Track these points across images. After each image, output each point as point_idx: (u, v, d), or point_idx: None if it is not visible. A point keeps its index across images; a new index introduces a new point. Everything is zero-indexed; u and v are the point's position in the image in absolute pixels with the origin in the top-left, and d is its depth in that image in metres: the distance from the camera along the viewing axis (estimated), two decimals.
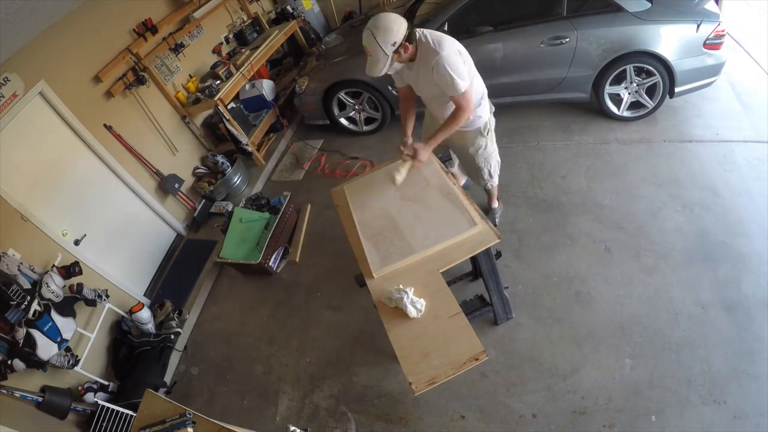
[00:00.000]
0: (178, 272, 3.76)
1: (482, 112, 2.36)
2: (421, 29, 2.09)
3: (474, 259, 2.23)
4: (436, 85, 2.10)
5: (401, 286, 1.85)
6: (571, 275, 2.66)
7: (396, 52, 1.98)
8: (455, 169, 2.88)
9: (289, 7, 5.60)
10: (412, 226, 2.09)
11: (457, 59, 2.03)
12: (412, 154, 2.28)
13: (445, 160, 2.50)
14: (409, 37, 2.00)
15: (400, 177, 2.28)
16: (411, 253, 1.98)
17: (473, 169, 2.66)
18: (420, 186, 2.29)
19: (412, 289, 1.83)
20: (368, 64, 2.05)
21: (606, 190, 3.08)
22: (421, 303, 1.80)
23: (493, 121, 2.48)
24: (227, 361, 3.04)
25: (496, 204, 3.05)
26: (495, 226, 2.50)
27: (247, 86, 4.58)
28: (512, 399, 2.26)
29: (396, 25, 1.94)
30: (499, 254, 2.46)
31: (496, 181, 2.74)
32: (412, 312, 1.78)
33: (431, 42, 2.02)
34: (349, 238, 2.22)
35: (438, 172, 2.30)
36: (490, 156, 2.56)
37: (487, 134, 2.46)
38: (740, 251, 2.52)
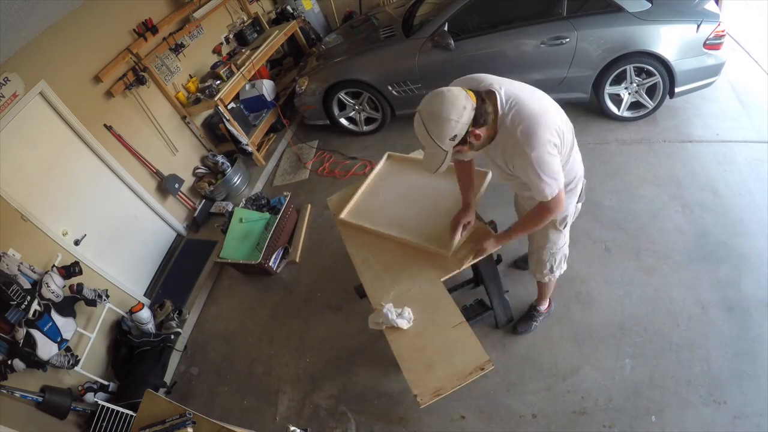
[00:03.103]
0: (178, 272, 3.76)
1: (566, 201, 1.74)
2: (505, 94, 1.50)
3: (475, 266, 2.19)
4: (520, 180, 1.64)
5: (381, 304, 1.80)
6: (571, 275, 2.64)
7: (462, 143, 1.50)
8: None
9: (289, 7, 5.60)
10: (425, 227, 2.08)
11: (550, 159, 1.48)
12: (468, 223, 1.99)
13: None
14: (483, 117, 1.47)
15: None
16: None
17: (534, 259, 2.15)
18: (419, 190, 2.27)
19: (390, 303, 1.80)
20: (424, 158, 1.60)
21: (606, 190, 3.08)
22: (408, 311, 1.78)
23: (576, 211, 1.97)
24: (227, 361, 3.04)
25: (544, 306, 2.44)
26: (528, 331, 2.43)
27: (248, 86, 4.58)
28: (512, 399, 2.26)
29: (455, 113, 1.40)
30: (499, 259, 2.45)
31: (556, 276, 2.17)
32: (403, 324, 1.76)
33: (519, 133, 1.46)
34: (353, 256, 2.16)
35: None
36: (559, 251, 2.03)
37: (563, 228, 1.93)
38: (740, 251, 2.52)
